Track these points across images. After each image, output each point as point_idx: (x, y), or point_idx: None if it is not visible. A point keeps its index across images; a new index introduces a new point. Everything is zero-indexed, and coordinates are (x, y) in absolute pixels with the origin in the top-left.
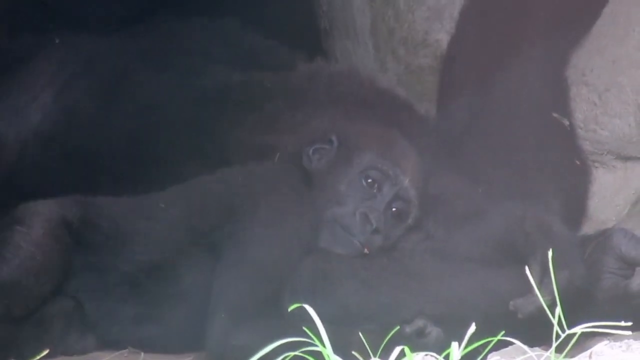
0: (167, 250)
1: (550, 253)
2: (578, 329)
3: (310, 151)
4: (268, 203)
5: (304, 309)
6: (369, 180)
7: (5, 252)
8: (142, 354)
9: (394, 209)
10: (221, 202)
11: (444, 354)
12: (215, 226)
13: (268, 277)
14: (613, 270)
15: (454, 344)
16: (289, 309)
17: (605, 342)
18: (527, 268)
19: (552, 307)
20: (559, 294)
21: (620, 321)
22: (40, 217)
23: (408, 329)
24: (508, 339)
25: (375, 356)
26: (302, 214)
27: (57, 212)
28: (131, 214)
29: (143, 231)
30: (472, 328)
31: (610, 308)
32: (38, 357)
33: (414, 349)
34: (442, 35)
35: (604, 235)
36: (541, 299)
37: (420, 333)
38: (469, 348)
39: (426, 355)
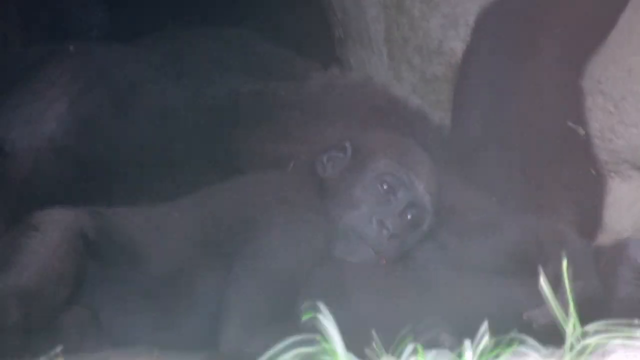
0: (180, 260)
1: (564, 263)
2: (594, 340)
3: (325, 159)
4: (282, 212)
5: (317, 318)
6: (385, 186)
7: (21, 258)
8: (156, 351)
9: (409, 216)
10: (235, 212)
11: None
12: (229, 236)
13: (281, 286)
14: (629, 281)
15: (467, 344)
16: (303, 318)
17: (619, 343)
18: (541, 279)
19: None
20: (573, 305)
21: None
22: (58, 224)
23: (422, 338)
24: (522, 337)
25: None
26: (316, 223)
27: (73, 220)
28: (145, 225)
29: (157, 242)
30: (485, 330)
31: (626, 317)
32: (51, 355)
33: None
34: (457, 44)
35: (620, 246)
36: (555, 310)
37: (434, 342)
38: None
39: (438, 353)
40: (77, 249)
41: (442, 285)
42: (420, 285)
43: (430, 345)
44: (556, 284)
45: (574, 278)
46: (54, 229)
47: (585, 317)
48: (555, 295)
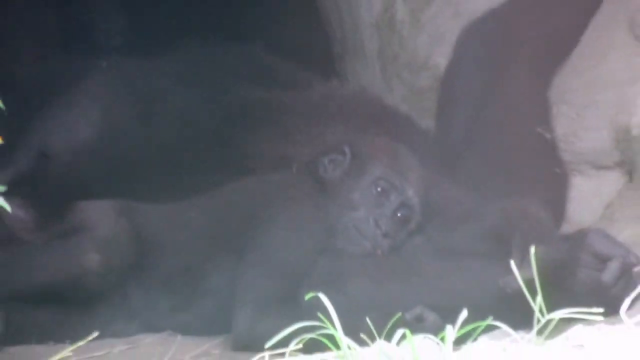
0: (196, 252)
1: (530, 234)
2: (556, 315)
3: (326, 161)
4: (286, 209)
5: (319, 301)
6: (379, 190)
7: (71, 249)
8: (179, 336)
9: (399, 215)
10: (243, 210)
11: (440, 336)
12: (240, 230)
13: (287, 273)
14: (588, 265)
15: (449, 327)
16: (306, 298)
17: (580, 326)
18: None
19: (533, 294)
20: (538, 270)
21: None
22: (105, 215)
23: (408, 316)
24: (496, 323)
25: (380, 339)
26: (317, 218)
27: (117, 211)
28: (166, 220)
29: (176, 236)
30: (464, 314)
31: (585, 298)
32: (88, 339)
33: (414, 332)
34: (440, 60)
35: (581, 235)
36: (520, 279)
37: (419, 319)
38: (462, 331)
39: (425, 337)
40: (122, 237)
41: (427, 270)
42: (408, 271)
43: (416, 321)
44: (523, 252)
45: (537, 244)
46: (103, 220)
47: (550, 280)
48: (521, 262)
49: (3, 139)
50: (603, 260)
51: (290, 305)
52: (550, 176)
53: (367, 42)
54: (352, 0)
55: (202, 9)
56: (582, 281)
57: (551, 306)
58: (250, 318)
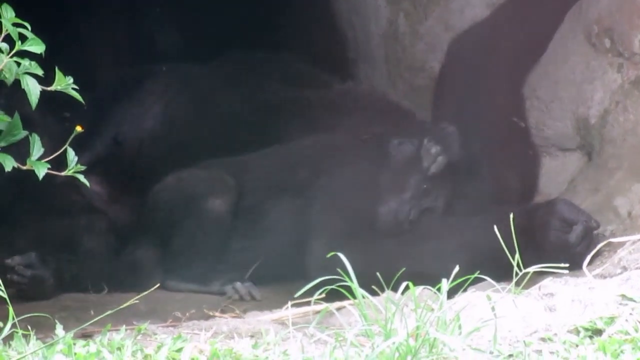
0: (272, 199)
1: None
2: (531, 269)
3: (397, 142)
4: (355, 163)
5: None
6: (425, 187)
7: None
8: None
9: (424, 207)
10: (317, 162)
11: (436, 287)
12: (306, 182)
13: (353, 215)
14: (557, 228)
15: (444, 280)
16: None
17: (550, 278)
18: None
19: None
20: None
21: (561, 264)
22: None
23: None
24: (482, 276)
25: (388, 289)
26: (377, 176)
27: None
28: (246, 170)
29: (255, 183)
30: (456, 268)
31: (555, 255)
32: (152, 289)
33: None
34: (435, 64)
35: (551, 204)
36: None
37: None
38: (454, 282)
39: (424, 289)
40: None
41: (432, 237)
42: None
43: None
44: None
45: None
46: (218, 190)
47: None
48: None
49: (83, 128)
50: (569, 225)
51: (356, 239)
52: (524, 157)
53: (375, 50)
54: (363, 16)
55: (243, 23)
56: (553, 241)
57: (527, 262)
58: (324, 251)
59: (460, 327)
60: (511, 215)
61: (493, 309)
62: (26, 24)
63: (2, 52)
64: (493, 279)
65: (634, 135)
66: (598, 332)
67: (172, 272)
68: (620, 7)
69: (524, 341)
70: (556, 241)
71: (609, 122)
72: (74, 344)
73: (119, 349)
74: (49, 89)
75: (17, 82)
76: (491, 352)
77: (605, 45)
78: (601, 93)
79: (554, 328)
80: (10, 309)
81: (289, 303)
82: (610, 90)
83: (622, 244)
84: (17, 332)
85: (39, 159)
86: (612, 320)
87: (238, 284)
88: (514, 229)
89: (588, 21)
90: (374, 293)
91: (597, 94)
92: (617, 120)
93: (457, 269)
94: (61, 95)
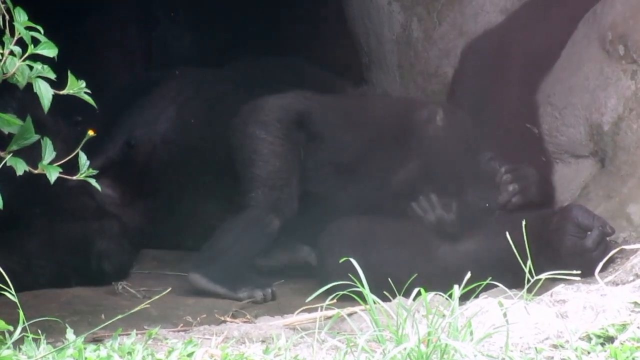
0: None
1: None
2: (543, 276)
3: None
4: None
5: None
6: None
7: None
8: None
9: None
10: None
11: (448, 293)
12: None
13: None
14: (573, 234)
15: (455, 286)
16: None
17: (562, 285)
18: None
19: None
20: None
21: (576, 271)
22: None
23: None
24: (494, 282)
25: (400, 295)
26: None
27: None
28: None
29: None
30: (468, 275)
31: (571, 261)
32: (163, 294)
33: None
34: (448, 69)
35: (565, 210)
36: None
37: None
38: (466, 289)
39: (435, 294)
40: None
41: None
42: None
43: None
44: None
45: None
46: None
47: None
48: None
49: (96, 132)
50: (585, 230)
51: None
52: (537, 163)
53: (388, 55)
54: (377, 22)
55: (255, 28)
56: (569, 247)
57: (540, 268)
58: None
59: (471, 333)
60: (523, 222)
61: (505, 315)
62: (39, 27)
63: (15, 55)
64: (510, 286)
65: None
66: (610, 339)
67: (201, 268)
68: (634, 13)
69: (536, 348)
70: (572, 247)
71: (622, 129)
72: (85, 348)
73: (129, 353)
74: (61, 92)
75: (29, 86)
76: (502, 359)
77: (619, 52)
78: (615, 100)
79: (566, 335)
80: (21, 312)
81: (301, 308)
82: (624, 97)
83: (634, 251)
84: (27, 336)
85: (51, 162)
86: (624, 327)
87: (268, 290)
88: (530, 235)
89: (602, 28)
90: (385, 298)
91: (610, 100)
92: (630, 127)
93: (468, 275)
94: (74, 99)
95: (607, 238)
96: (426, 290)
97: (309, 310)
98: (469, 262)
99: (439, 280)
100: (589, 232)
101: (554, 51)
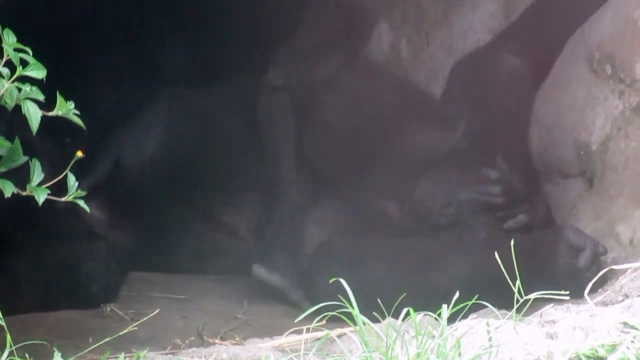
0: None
1: None
2: (531, 296)
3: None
4: None
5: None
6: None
7: None
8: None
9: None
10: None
11: (437, 312)
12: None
13: None
14: (566, 255)
15: (444, 306)
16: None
17: (551, 305)
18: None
19: (513, 281)
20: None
21: (570, 291)
22: None
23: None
24: (483, 302)
25: (389, 316)
26: None
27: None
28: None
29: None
30: (457, 295)
31: (565, 282)
32: (150, 316)
33: None
34: (437, 90)
35: (558, 230)
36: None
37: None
38: (455, 309)
39: (424, 315)
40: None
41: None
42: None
43: None
44: None
45: None
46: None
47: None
48: None
49: (84, 154)
50: (577, 250)
51: None
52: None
53: None
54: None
55: (246, 46)
56: (562, 267)
57: (531, 288)
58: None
59: (460, 354)
60: (512, 242)
61: (490, 337)
62: (28, 49)
63: (3, 77)
64: (501, 306)
65: (636, 161)
66: (599, 359)
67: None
68: (621, 33)
69: None
70: (565, 267)
71: (610, 148)
72: None
73: None
74: (50, 114)
75: (17, 107)
76: None
77: (606, 71)
78: (603, 119)
79: (556, 355)
80: (8, 336)
81: (290, 330)
82: (612, 117)
83: (623, 271)
84: None
85: (40, 184)
86: (613, 347)
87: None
88: (521, 256)
89: (589, 47)
90: (374, 319)
91: (598, 120)
92: (618, 146)
93: (457, 295)
94: (62, 120)
95: (601, 258)
96: (415, 310)
97: (299, 332)
98: (460, 284)
99: (430, 301)
100: (582, 253)
101: (541, 71)
